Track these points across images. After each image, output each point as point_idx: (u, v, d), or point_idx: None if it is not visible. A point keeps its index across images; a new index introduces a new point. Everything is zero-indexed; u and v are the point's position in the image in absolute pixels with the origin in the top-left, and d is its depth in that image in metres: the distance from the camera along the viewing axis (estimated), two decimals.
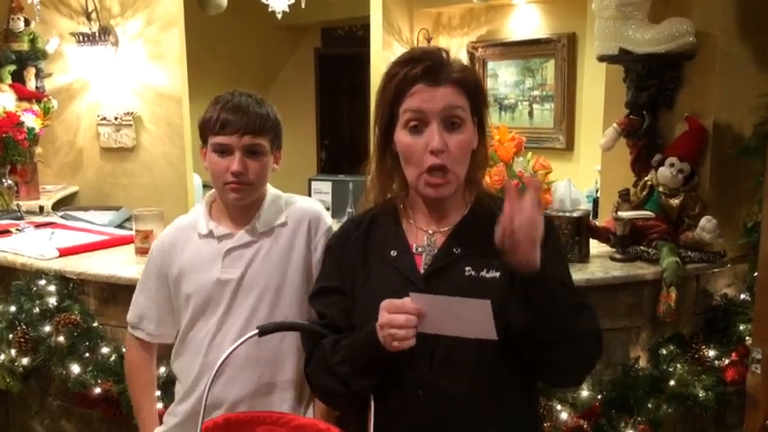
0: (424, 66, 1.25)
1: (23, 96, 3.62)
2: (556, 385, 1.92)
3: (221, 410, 1.59)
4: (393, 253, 1.32)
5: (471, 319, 1.14)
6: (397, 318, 1.16)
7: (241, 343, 1.26)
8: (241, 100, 1.57)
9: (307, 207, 1.71)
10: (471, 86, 1.29)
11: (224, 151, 1.56)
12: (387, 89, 1.29)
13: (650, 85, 2.47)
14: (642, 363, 2.28)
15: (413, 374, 1.25)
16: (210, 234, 1.64)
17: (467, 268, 1.27)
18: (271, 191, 1.70)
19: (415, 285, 1.25)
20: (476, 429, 1.27)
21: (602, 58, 2.58)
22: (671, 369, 2.24)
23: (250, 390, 1.62)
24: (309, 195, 2.41)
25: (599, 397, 2.15)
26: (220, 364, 1.24)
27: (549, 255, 1.20)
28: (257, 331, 1.26)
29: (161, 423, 1.77)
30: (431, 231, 1.34)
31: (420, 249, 1.34)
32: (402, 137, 1.28)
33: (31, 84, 3.76)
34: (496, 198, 1.35)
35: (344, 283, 1.36)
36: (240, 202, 1.61)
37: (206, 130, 1.59)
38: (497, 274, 1.25)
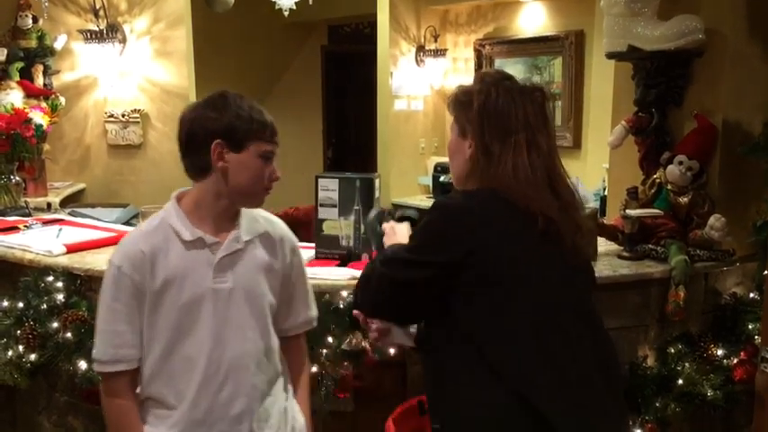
0: None
1: (31, 93, 3.63)
2: None
3: (221, 422, 1.57)
4: None
5: None
6: None
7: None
8: (264, 111, 1.60)
9: (276, 221, 1.72)
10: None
11: (269, 158, 1.58)
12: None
13: (659, 83, 2.46)
14: (650, 361, 2.27)
15: None
16: (200, 242, 1.56)
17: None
18: None
19: None
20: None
21: (610, 56, 2.56)
22: (679, 368, 2.23)
23: (251, 395, 1.60)
24: (316, 193, 2.40)
25: None
26: None
27: None
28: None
29: None
30: None
31: None
32: None
33: (39, 81, 3.78)
34: None
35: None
36: (260, 205, 1.65)
37: (251, 135, 1.54)
38: None
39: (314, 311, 1.78)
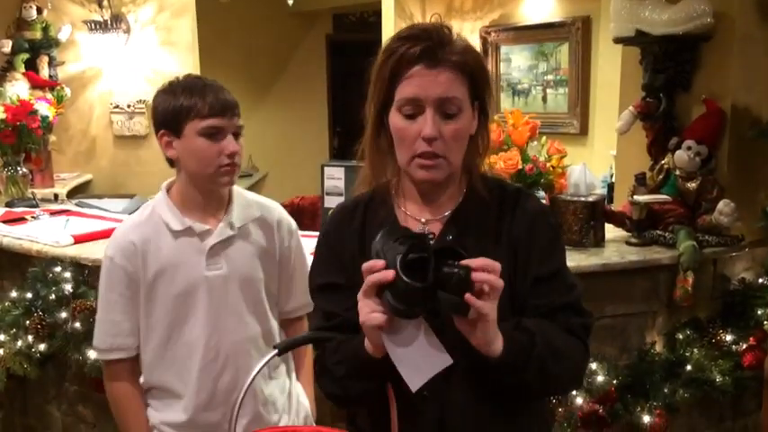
0: (423, 45, 1.18)
1: (37, 84, 3.63)
2: None
3: (224, 407, 1.58)
4: None
5: (424, 358, 1.10)
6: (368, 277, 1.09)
7: (263, 366, 1.17)
8: (213, 84, 1.54)
9: (272, 205, 1.69)
10: (472, 70, 1.21)
11: (215, 134, 1.50)
12: (384, 68, 1.22)
13: (667, 67, 2.44)
14: (658, 348, 2.26)
15: None
16: (189, 230, 1.55)
17: None
18: (234, 185, 1.65)
19: None
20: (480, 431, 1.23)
21: (618, 40, 2.54)
22: (687, 354, 2.23)
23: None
24: (322, 181, 2.39)
25: (614, 382, 2.14)
26: (245, 391, 1.14)
27: (536, 257, 1.17)
28: (276, 351, 1.19)
29: None
30: (424, 220, 1.26)
31: None
32: (396, 120, 1.21)
33: (44, 72, 3.78)
34: (491, 183, 1.28)
35: (347, 277, 1.25)
36: (230, 185, 1.58)
37: (185, 115, 1.50)
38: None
39: None
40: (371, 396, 1.20)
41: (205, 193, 1.57)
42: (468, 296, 1.03)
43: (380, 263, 1.07)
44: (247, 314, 1.59)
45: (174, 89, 1.53)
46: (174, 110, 1.51)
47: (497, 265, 1.05)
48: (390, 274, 1.05)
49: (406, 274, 1.04)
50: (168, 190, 1.61)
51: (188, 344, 1.57)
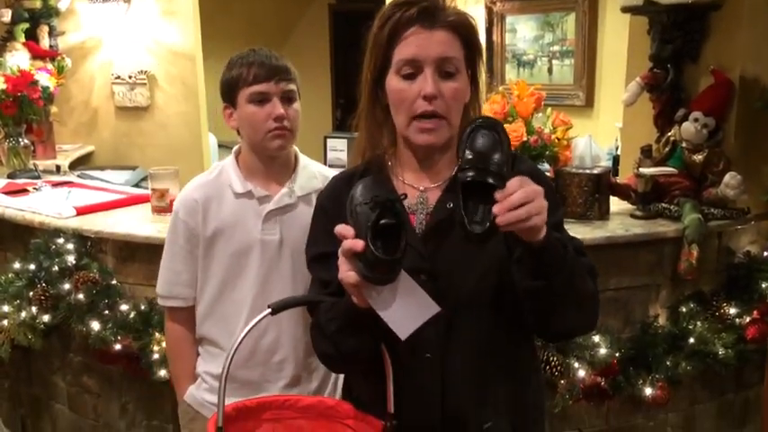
0: (419, 7, 1.20)
1: (37, 55, 3.59)
2: (550, 342, 1.96)
3: (262, 367, 1.64)
4: None
5: (410, 309, 1.10)
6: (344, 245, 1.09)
7: (255, 324, 1.18)
8: (263, 52, 1.60)
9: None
10: (467, 35, 1.23)
11: (262, 100, 1.57)
12: (380, 33, 1.22)
13: (675, 37, 2.40)
14: (661, 321, 2.26)
15: (419, 338, 1.20)
16: (249, 194, 1.63)
17: None
18: (301, 155, 1.72)
19: (413, 247, 1.17)
20: (482, 392, 1.25)
21: (625, 9, 2.50)
22: (690, 327, 2.22)
23: (294, 345, 1.65)
24: (325, 152, 2.38)
25: (617, 355, 2.14)
26: (238, 345, 1.17)
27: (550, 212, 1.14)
28: (269, 310, 1.21)
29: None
30: (422, 188, 1.27)
31: (412, 208, 1.26)
32: (394, 83, 1.22)
33: (45, 42, 3.73)
34: None
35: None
36: (283, 151, 1.63)
37: (237, 85, 1.59)
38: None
39: None
40: (363, 354, 1.21)
41: (265, 159, 1.64)
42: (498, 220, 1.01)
43: (351, 231, 1.09)
44: (296, 281, 1.62)
45: (230, 63, 1.61)
46: (228, 82, 1.60)
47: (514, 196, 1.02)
48: (360, 244, 1.06)
49: (379, 241, 1.05)
50: (238, 155, 1.68)
51: (237, 302, 1.64)
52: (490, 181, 1.03)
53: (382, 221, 1.06)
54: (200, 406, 1.72)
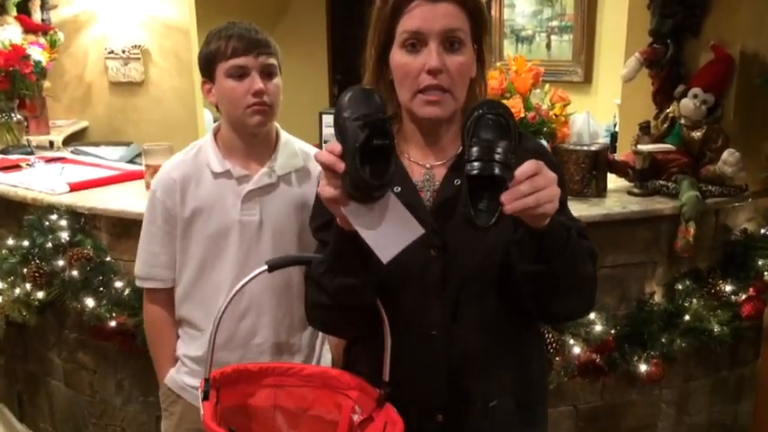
0: None
1: (29, 29, 3.53)
2: (547, 323, 1.95)
3: (242, 349, 1.61)
4: (397, 189, 1.19)
5: (394, 230, 1.07)
6: (321, 154, 1.08)
7: (252, 278, 1.22)
8: (243, 26, 1.55)
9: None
10: (473, 7, 1.20)
11: (241, 75, 1.52)
12: (384, 7, 1.20)
13: (676, 12, 2.37)
14: (657, 298, 2.26)
15: (425, 317, 1.21)
16: (228, 174, 1.59)
17: None
18: (282, 132, 1.67)
19: (425, 222, 1.15)
20: (487, 369, 1.25)
21: None
22: (686, 304, 2.22)
23: (274, 327, 1.63)
24: (320, 129, 2.35)
25: (612, 332, 2.15)
26: (231, 298, 1.20)
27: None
28: (266, 267, 1.22)
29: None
30: (428, 165, 1.26)
31: (419, 185, 1.26)
32: (398, 56, 1.19)
33: (37, 16, 3.67)
34: None
35: None
36: (263, 127, 1.58)
37: (215, 59, 1.54)
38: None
39: None
40: (353, 300, 1.18)
41: (244, 137, 1.59)
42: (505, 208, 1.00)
43: (338, 148, 1.05)
44: None
45: (209, 37, 1.57)
46: (206, 56, 1.56)
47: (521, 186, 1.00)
48: (341, 166, 1.04)
49: (368, 158, 1.02)
50: (216, 133, 1.64)
51: (215, 284, 1.61)
52: (496, 172, 1.01)
53: (373, 143, 1.04)
54: (181, 390, 1.69)
